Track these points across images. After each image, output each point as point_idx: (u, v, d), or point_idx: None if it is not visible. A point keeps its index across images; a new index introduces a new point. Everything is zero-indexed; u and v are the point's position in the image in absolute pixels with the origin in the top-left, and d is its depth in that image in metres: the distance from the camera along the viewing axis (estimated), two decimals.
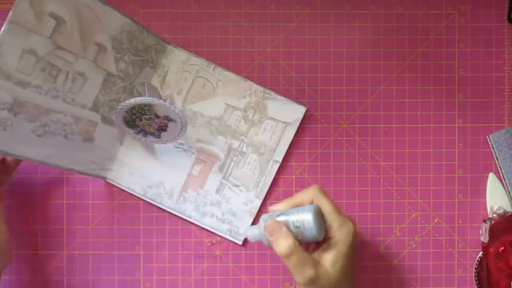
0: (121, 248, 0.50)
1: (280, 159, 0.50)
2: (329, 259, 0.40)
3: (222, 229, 0.50)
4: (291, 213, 0.41)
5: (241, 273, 0.50)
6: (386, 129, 0.51)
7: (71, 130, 0.43)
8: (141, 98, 0.43)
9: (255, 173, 0.50)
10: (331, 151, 0.51)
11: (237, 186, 0.50)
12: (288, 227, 0.40)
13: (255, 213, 0.50)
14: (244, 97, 0.50)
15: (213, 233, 0.50)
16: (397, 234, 0.51)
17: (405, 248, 0.51)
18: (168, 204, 0.50)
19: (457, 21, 0.51)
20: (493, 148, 0.50)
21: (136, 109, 0.44)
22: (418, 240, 0.51)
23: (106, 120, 0.46)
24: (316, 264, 0.40)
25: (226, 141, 0.50)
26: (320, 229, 0.40)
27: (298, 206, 0.42)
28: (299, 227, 0.40)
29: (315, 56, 0.51)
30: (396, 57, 0.51)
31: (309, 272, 0.39)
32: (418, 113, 0.51)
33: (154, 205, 0.50)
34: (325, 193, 0.42)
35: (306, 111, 0.50)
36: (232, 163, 0.50)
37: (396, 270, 0.51)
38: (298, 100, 0.50)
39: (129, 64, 0.47)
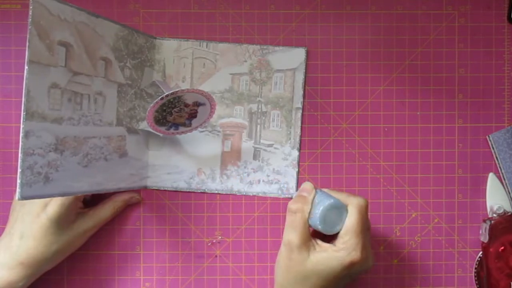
0: (121, 248, 0.50)
1: (300, 105, 0.50)
2: (318, 257, 0.40)
3: (272, 191, 0.50)
4: (324, 196, 0.42)
5: (241, 273, 0.50)
6: (386, 129, 0.51)
7: (107, 150, 0.44)
8: (171, 91, 0.43)
9: (283, 127, 0.50)
10: (331, 151, 0.51)
11: (271, 145, 0.50)
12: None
13: (296, 164, 0.50)
14: (245, 61, 0.51)
15: (265, 198, 0.50)
16: (397, 234, 0.51)
17: (405, 248, 0.51)
18: (213, 187, 0.50)
19: (457, 21, 0.51)
20: (493, 148, 0.50)
21: (166, 105, 0.44)
22: (418, 240, 0.51)
23: (131, 130, 0.47)
24: (306, 241, 0.40)
25: (245, 108, 0.50)
26: (322, 221, 0.40)
27: (338, 199, 0.42)
28: (314, 208, 0.41)
29: (315, 56, 0.51)
30: (396, 57, 0.51)
31: (291, 236, 0.41)
32: (418, 113, 0.51)
33: (154, 204, 0.50)
34: (361, 212, 0.41)
35: (307, 52, 0.50)
36: (258, 126, 0.50)
37: (396, 270, 0.51)
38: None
39: (132, 69, 0.47)
